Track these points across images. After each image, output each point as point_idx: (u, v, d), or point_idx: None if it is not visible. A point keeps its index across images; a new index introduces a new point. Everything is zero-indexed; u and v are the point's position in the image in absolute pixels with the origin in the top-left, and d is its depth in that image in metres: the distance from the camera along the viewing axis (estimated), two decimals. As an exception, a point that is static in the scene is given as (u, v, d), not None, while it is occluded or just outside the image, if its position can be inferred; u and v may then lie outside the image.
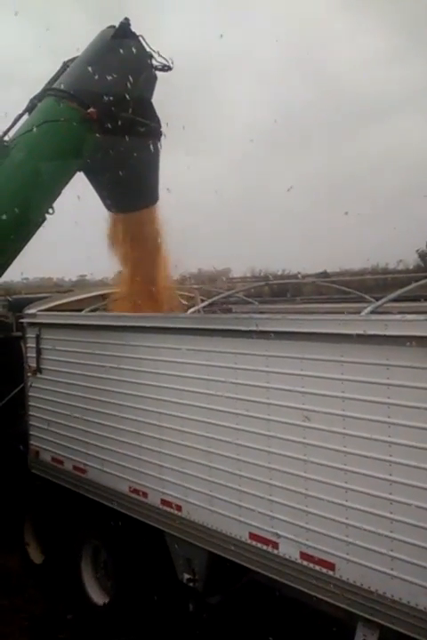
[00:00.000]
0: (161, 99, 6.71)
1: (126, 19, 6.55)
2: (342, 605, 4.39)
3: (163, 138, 6.76)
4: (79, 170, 6.63)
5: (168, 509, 5.79)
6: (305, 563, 4.60)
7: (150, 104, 6.74)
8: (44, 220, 6.20)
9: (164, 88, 6.72)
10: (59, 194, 6.32)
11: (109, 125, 6.31)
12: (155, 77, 6.71)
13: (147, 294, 7.16)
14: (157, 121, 6.72)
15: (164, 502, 5.84)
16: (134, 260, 7.13)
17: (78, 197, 6.39)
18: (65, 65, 6.79)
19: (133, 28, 6.54)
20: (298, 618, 5.38)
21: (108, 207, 7.14)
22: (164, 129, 6.68)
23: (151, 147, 6.64)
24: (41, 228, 6.24)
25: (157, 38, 6.66)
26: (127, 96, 6.36)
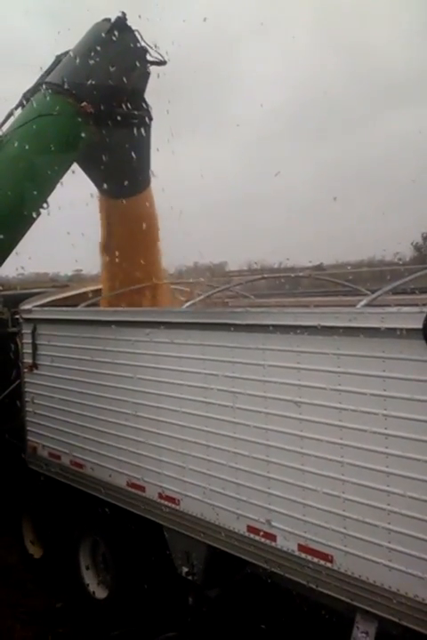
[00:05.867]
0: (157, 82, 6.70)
1: (123, 13, 6.52)
2: (341, 597, 4.40)
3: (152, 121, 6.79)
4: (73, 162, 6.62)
5: (166, 503, 5.80)
6: (303, 555, 4.62)
7: (141, 94, 6.73)
8: (39, 214, 6.18)
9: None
10: (53, 188, 6.30)
11: (103, 118, 6.30)
12: (148, 72, 6.69)
13: (139, 286, 7.18)
14: (147, 108, 6.72)
15: (161, 496, 5.85)
16: (128, 248, 7.13)
17: (61, 184, 6.35)
18: (58, 58, 6.77)
19: (136, 19, 6.52)
20: (297, 610, 5.38)
21: (103, 193, 7.16)
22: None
23: (143, 133, 6.65)
24: (36, 223, 6.22)
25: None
26: (120, 90, 6.35)
